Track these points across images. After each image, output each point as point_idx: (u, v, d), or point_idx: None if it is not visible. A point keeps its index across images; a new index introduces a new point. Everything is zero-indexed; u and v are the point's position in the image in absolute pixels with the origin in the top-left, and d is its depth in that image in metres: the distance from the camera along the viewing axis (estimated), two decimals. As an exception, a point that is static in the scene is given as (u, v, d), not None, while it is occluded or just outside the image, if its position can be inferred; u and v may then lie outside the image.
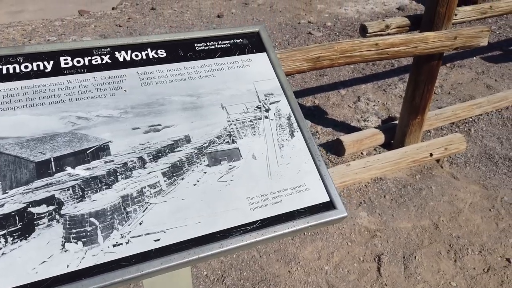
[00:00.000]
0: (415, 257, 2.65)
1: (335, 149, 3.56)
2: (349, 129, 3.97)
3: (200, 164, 1.17)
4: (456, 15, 2.95)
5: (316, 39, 6.03)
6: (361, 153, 3.57)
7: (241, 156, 1.21)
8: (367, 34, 2.85)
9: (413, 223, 2.90)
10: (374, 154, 3.53)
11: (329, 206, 1.17)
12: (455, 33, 2.76)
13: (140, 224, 1.04)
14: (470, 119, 4.03)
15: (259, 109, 1.29)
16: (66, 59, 1.24)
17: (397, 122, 3.67)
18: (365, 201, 3.07)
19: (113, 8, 9.36)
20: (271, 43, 1.42)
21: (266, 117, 1.28)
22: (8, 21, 8.09)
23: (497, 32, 6.09)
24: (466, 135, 3.81)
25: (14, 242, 0.95)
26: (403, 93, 4.60)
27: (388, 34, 2.94)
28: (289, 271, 2.58)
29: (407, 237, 2.81)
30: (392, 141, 3.64)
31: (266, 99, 1.32)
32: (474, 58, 5.30)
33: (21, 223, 0.98)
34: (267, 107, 1.30)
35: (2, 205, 0.99)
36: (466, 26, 4.89)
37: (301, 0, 8.64)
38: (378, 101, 4.46)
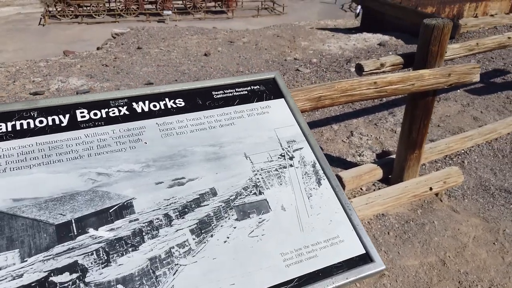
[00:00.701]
0: (426, 296, 2.58)
1: (334, 185, 3.52)
2: (345, 164, 3.96)
3: (229, 218, 1.11)
4: (446, 52, 3.04)
5: (304, 76, 6.15)
6: (361, 188, 3.55)
7: (270, 208, 1.15)
8: (363, 73, 2.90)
9: (420, 260, 2.85)
10: (374, 190, 3.51)
11: (365, 258, 1.12)
12: (449, 70, 2.84)
13: (171, 289, 0.96)
14: (462, 151, 4.09)
15: (283, 157, 1.26)
16: (83, 112, 1.18)
17: (392, 156, 3.69)
18: (370, 239, 3.01)
19: (98, 48, 9.39)
20: (287, 89, 1.40)
21: (291, 165, 1.24)
22: (-12, 62, 7.98)
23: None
24: (460, 167, 3.85)
25: (35, 319, 0.86)
26: (394, 126, 4.67)
27: (383, 72, 3.00)
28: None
29: (416, 275, 2.74)
30: (389, 176, 3.64)
31: (289, 147, 1.28)
32: (458, 91, 5.47)
33: (42, 296, 0.89)
34: (291, 155, 1.26)
35: (21, 275, 0.90)
36: (454, 63, 5.08)
37: (285, 38, 8.89)
38: (371, 135, 4.50)
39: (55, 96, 5.60)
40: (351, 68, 6.43)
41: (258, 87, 1.41)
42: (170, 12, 17.63)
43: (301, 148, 1.29)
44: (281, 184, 1.21)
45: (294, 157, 1.27)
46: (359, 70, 2.96)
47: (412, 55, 3.05)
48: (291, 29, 9.83)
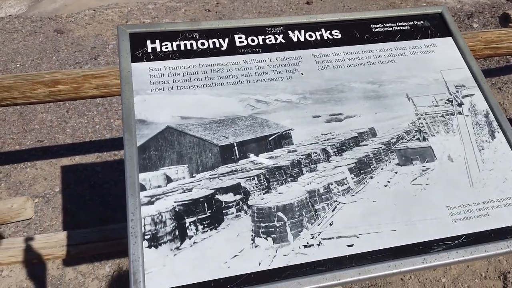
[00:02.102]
0: (550, 281, 2.32)
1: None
2: (460, 129, 3.60)
3: (389, 162, 1.03)
4: None
5: (417, 30, 5.59)
6: (479, 157, 3.22)
7: (435, 157, 1.04)
8: (510, 24, 2.50)
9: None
10: (495, 160, 3.17)
11: (546, 226, 0.97)
12: None
13: (331, 225, 0.93)
14: None
15: (450, 103, 1.11)
16: (241, 37, 1.15)
17: (520, 125, 3.25)
18: None
19: (200, -7, 9.50)
20: (457, 26, 1.22)
21: (459, 113, 1.10)
22: (98, 4, 8.53)
23: None
24: None
25: (205, 231, 0.88)
26: (522, 93, 4.10)
27: (535, 24, 2.56)
28: (401, 279, 2.38)
29: (538, 258, 2.46)
30: (515, 147, 3.23)
31: (457, 92, 1.13)
32: None
33: (210, 211, 0.90)
34: (459, 101, 1.11)
35: (191, 190, 0.92)
36: None
37: (394, -12, 8.12)
38: (493, 101, 4.01)
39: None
40: (473, 23, 5.70)
41: (422, 22, 1.25)
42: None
43: (471, 95, 1.13)
44: (448, 132, 1.07)
45: (463, 104, 1.11)
46: (505, 20, 2.57)
47: None
48: (401, -21, 8.94)
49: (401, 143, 1.05)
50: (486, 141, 1.07)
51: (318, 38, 1.18)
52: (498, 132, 1.08)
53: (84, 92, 1.86)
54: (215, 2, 7.85)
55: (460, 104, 1.11)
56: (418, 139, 1.06)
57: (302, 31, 1.19)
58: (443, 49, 1.21)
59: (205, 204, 0.91)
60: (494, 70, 4.51)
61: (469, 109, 1.11)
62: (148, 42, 1.10)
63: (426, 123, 1.08)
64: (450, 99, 1.12)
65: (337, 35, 1.19)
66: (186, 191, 0.91)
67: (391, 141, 1.05)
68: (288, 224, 0.91)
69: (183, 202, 0.89)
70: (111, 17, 7.03)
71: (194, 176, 0.94)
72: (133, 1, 8.54)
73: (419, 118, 1.09)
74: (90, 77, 1.85)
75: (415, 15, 1.26)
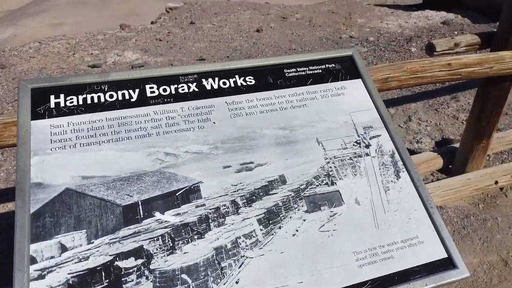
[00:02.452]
0: (487, 298, 2.41)
1: (390, 173, 3.34)
2: (402, 151, 3.74)
3: (298, 209, 1.03)
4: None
5: (361, 55, 5.84)
6: (419, 178, 3.35)
7: (342, 201, 1.06)
8: (435, 53, 2.66)
9: (480, 259, 2.65)
10: (432, 180, 3.30)
11: (447, 264, 1.00)
12: (534, 54, 2.53)
13: (237, 283, 0.91)
14: (535, 143, 3.73)
15: (358, 145, 1.15)
16: (152, 87, 1.13)
17: (454, 145, 3.43)
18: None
19: (152, 22, 9.50)
20: (366, 68, 1.28)
21: (367, 154, 1.13)
22: (49, 34, 8.32)
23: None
24: (532, 161, 3.52)
25: (101, 303, 0.84)
26: (456, 113, 4.35)
27: (457, 53, 2.75)
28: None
29: (474, 274, 2.56)
30: (450, 166, 3.40)
31: (365, 133, 1.17)
32: (533, 76, 4.97)
33: (107, 280, 0.86)
34: (367, 143, 1.15)
35: (87, 258, 0.88)
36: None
37: (340, 15, 8.50)
38: (430, 121, 4.22)
39: (115, 70, 5.74)
40: (412, 48, 6.04)
41: (333, 65, 1.29)
42: (221, -14, 17.43)
43: (378, 136, 1.18)
44: (355, 174, 1.10)
45: (370, 145, 1.15)
46: (430, 50, 2.73)
47: (491, 35, 2.76)
48: (347, 5, 9.38)
49: (310, 188, 1.06)
50: (391, 181, 1.10)
51: (232, 85, 1.19)
52: (403, 172, 1.13)
53: (5, 141, 1.75)
54: (167, 32, 7.85)
55: (367, 146, 1.15)
56: (326, 183, 1.08)
57: (216, 79, 1.19)
58: (353, 91, 1.26)
59: (103, 272, 0.86)
60: (431, 92, 4.77)
61: (376, 150, 1.15)
62: (52, 97, 1.06)
63: (335, 166, 1.10)
64: (358, 141, 1.16)
65: (250, 82, 1.21)
66: (82, 260, 0.87)
67: (300, 187, 1.06)
68: (192, 287, 0.89)
69: (78, 273, 0.85)
70: (57, 50, 6.85)
71: (93, 242, 0.90)
72: (82, 31, 8.38)
73: (328, 162, 1.11)
74: (11, 124, 1.76)
75: (326, 58, 1.30)
